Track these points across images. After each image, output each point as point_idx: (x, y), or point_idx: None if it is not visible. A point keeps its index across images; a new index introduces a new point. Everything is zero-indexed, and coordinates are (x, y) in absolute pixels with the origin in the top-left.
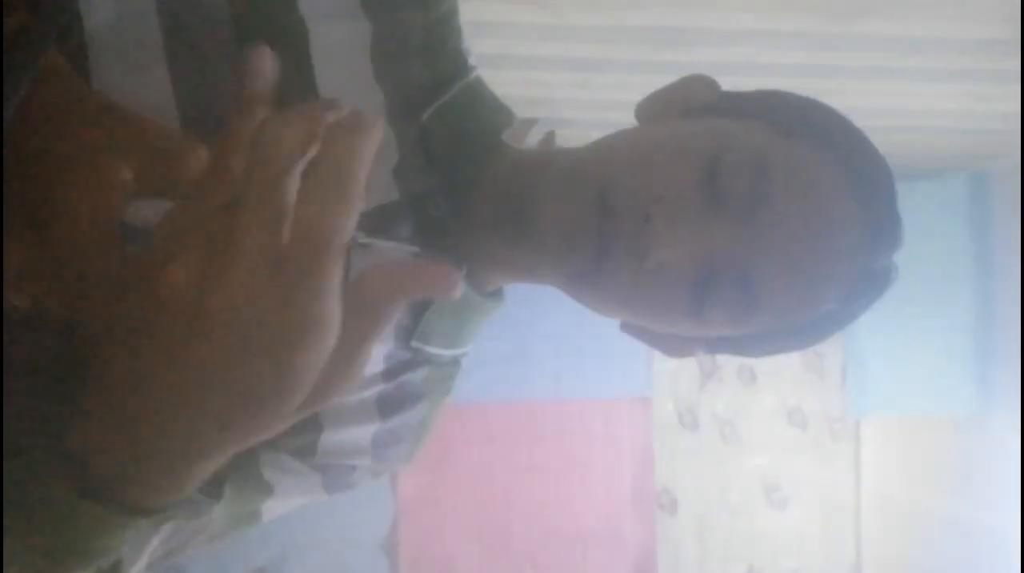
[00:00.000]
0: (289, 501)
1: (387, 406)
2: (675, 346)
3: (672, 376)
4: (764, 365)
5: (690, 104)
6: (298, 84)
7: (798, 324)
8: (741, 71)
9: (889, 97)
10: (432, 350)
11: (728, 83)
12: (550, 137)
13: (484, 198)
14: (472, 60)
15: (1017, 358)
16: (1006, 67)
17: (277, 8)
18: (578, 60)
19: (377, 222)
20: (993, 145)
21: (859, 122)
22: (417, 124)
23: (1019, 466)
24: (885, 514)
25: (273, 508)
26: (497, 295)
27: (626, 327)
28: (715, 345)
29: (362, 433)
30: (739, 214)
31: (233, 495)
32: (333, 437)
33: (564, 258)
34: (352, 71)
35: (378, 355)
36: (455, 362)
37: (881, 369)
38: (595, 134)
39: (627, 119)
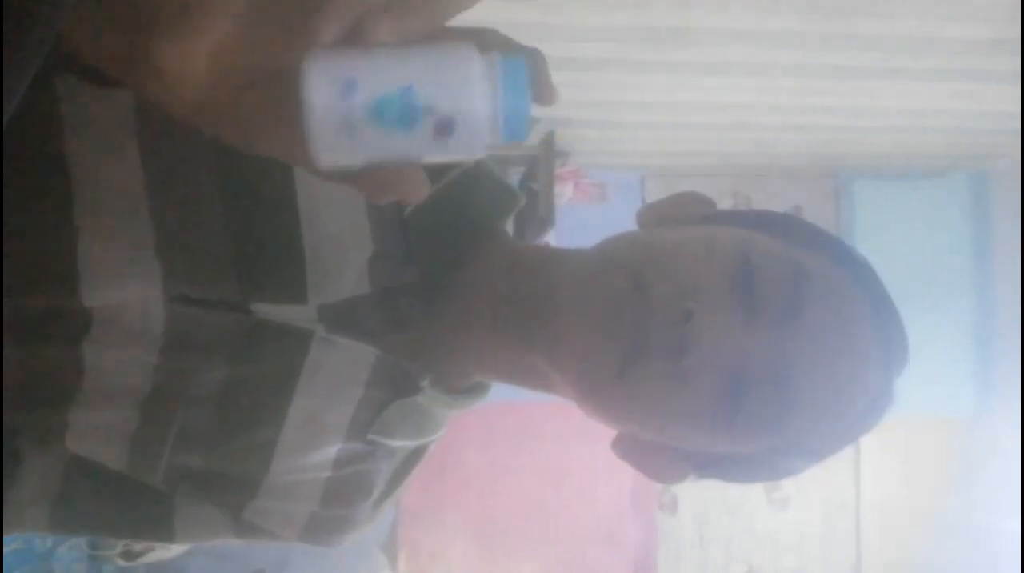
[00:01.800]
0: (195, 542)
1: (333, 495)
2: (668, 470)
3: None
4: None
5: (690, 216)
6: (275, 176)
7: (812, 442)
8: (741, 71)
9: (889, 97)
10: (395, 444)
11: (729, 83)
12: (549, 138)
13: (474, 297)
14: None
15: (1017, 359)
16: (1006, 67)
17: None
18: (578, 60)
19: (342, 316)
20: (993, 145)
21: (859, 122)
22: (399, 215)
23: (1019, 467)
24: (885, 514)
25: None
26: (474, 391)
27: (619, 447)
28: (708, 468)
29: (297, 511)
30: (777, 318)
31: (132, 528)
32: (264, 505)
33: (591, 356)
34: None
35: (331, 443)
36: (421, 449)
37: None
38: (594, 134)
39: (627, 118)
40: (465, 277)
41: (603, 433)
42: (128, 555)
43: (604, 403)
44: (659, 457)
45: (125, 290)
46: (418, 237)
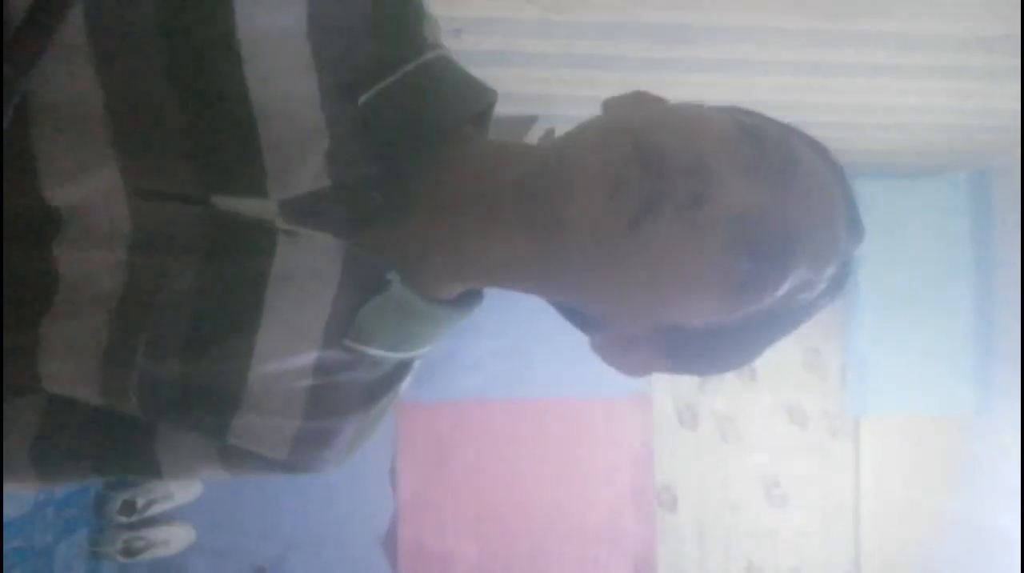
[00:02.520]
0: (183, 477)
1: (317, 404)
2: (643, 362)
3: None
4: (764, 363)
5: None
6: (224, 69)
7: (791, 309)
8: (741, 68)
9: (889, 94)
10: (374, 352)
11: (729, 80)
12: (550, 134)
13: (453, 192)
14: (437, 39)
15: (1017, 357)
16: (1006, 64)
17: None
18: (578, 57)
19: (305, 211)
20: (993, 143)
21: (859, 119)
22: (354, 107)
23: (1019, 465)
24: (885, 513)
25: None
26: (459, 303)
27: (598, 344)
28: (682, 357)
29: (283, 426)
30: (779, 176)
31: (118, 466)
32: (249, 420)
33: (603, 213)
34: (284, 53)
35: (309, 348)
36: (405, 365)
37: (881, 367)
38: None
39: None
40: (438, 173)
41: (603, 433)
42: (128, 552)
43: (616, 262)
44: (634, 348)
45: (85, 184)
46: (376, 129)
